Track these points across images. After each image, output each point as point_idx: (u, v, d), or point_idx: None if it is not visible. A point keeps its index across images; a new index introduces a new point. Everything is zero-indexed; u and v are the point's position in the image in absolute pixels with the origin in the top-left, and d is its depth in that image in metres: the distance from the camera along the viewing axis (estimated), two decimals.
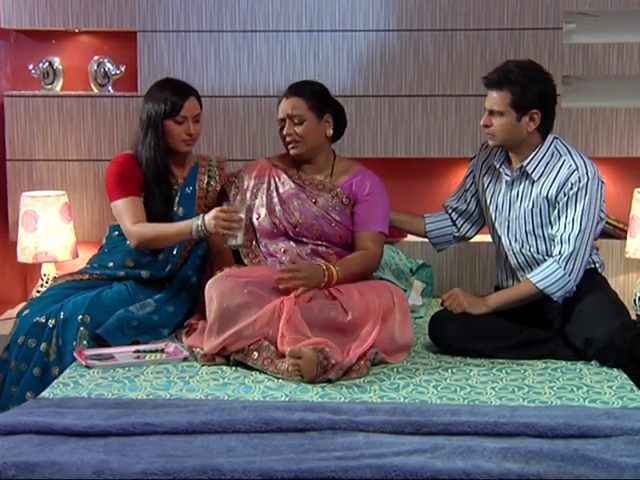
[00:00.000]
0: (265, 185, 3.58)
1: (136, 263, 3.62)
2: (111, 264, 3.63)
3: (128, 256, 3.62)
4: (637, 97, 4.29)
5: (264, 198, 3.56)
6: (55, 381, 3.00)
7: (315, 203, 3.51)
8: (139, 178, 3.57)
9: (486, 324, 3.26)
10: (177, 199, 3.64)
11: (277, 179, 3.58)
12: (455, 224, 3.70)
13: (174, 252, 3.64)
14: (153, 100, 3.56)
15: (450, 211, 3.71)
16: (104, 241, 3.75)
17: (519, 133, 3.29)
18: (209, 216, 3.33)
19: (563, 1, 4.16)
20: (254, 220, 3.56)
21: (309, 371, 2.93)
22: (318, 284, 3.27)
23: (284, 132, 3.49)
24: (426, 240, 4.26)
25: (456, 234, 3.72)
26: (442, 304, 3.39)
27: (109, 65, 4.34)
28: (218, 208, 3.33)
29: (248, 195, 3.58)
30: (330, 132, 3.54)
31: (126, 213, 3.50)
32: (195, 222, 3.37)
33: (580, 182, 3.24)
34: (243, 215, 3.30)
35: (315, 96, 3.51)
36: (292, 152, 3.51)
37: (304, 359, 2.93)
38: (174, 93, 3.55)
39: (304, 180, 3.55)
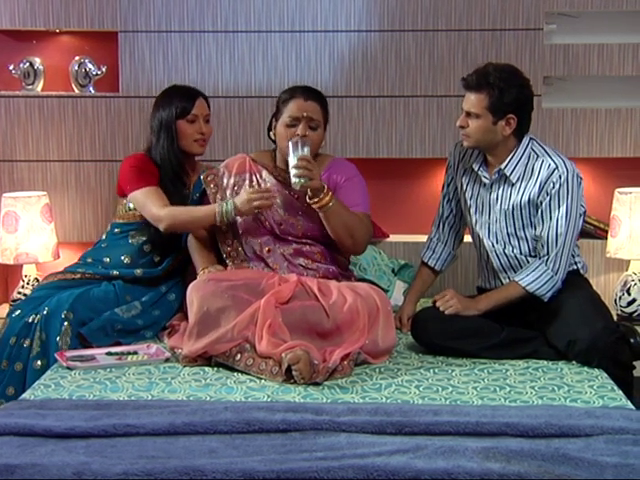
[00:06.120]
0: (247, 182, 3.53)
1: (132, 261, 3.62)
2: (107, 259, 3.63)
3: (126, 253, 3.63)
4: (617, 98, 4.31)
5: None
6: (36, 382, 2.99)
7: (297, 198, 3.49)
8: (155, 173, 3.60)
9: (468, 323, 3.27)
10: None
11: (258, 175, 3.55)
12: (446, 243, 3.66)
13: (170, 257, 3.65)
14: (163, 106, 3.63)
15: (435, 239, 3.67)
16: (103, 237, 3.75)
17: (494, 136, 3.30)
18: (241, 200, 3.36)
19: (544, 2, 4.18)
20: (236, 218, 3.55)
21: (307, 371, 2.93)
22: (320, 187, 3.28)
23: (299, 132, 3.37)
24: (408, 240, 4.29)
25: (453, 250, 3.70)
26: (434, 304, 3.38)
27: (90, 65, 4.32)
28: (248, 190, 3.39)
29: (228, 193, 3.54)
30: (324, 144, 3.54)
31: (151, 199, 3.52)
32: (220, 208, 3.40)
33: (561, 179, 3.25)
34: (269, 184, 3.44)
35: (326, 106, 3.49)
36: None
37: (302, 361, 2.93)
38: (183, 96, 3.65)
39: (284, 177, 3.53)
